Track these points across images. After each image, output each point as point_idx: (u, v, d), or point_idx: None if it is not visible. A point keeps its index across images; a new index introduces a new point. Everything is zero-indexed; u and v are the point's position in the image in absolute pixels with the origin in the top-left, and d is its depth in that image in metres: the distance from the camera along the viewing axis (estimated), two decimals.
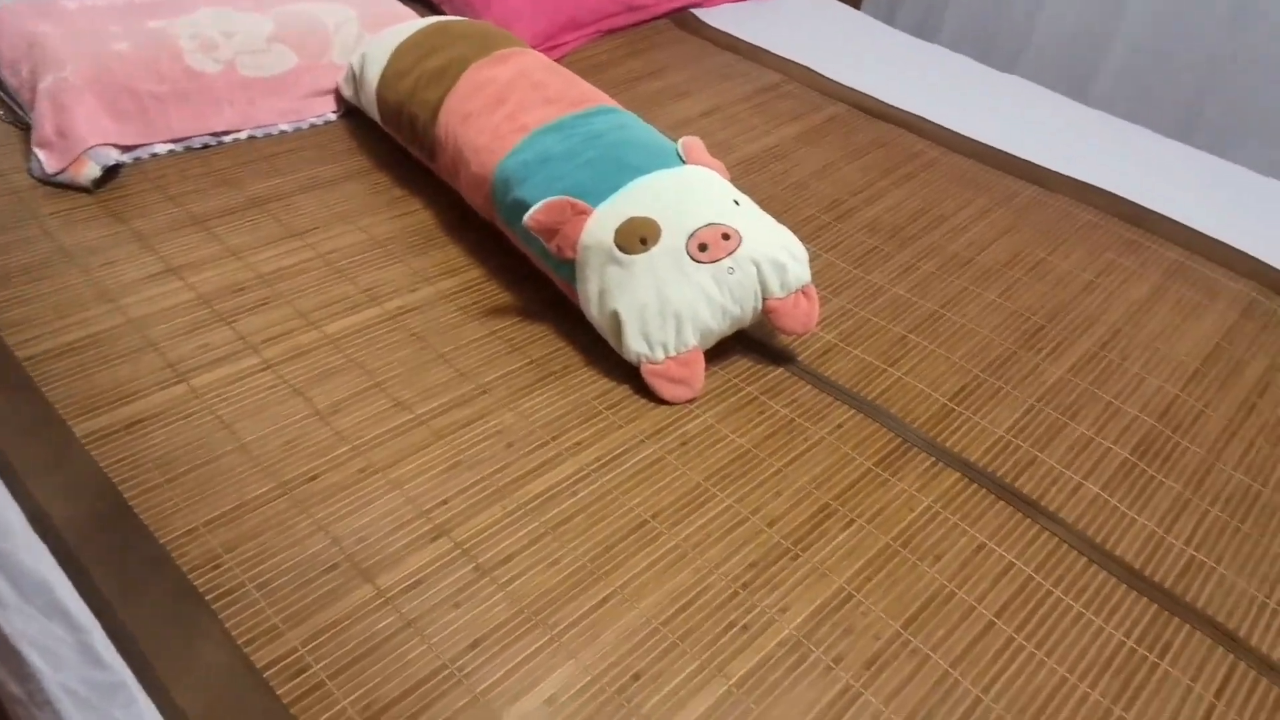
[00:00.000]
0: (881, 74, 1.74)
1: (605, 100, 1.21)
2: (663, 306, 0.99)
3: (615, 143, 1.10)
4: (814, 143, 1.52)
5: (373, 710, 0.70)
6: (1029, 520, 0.92)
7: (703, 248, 1.00)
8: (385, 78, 1.31)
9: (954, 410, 1.04)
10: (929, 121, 1.60)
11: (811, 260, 1.25)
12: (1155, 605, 0.86)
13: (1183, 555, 0.91)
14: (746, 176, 1.42)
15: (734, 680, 0.75)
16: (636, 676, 0.75)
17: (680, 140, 1.12)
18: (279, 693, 0.71)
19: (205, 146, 1.33)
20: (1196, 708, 0.78)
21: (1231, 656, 0.82)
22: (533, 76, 1.22)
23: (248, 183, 1.27)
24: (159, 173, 1.27)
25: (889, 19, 2.73)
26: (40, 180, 1.21)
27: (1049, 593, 0.86)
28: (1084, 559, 0.89)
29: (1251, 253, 1.33)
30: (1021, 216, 1.39)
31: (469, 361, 1.03)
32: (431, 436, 0.93)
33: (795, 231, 1.30)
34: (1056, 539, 0.91)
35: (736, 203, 1.06)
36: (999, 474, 0.97)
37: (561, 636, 0.77)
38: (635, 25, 1.83)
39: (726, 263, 1.01)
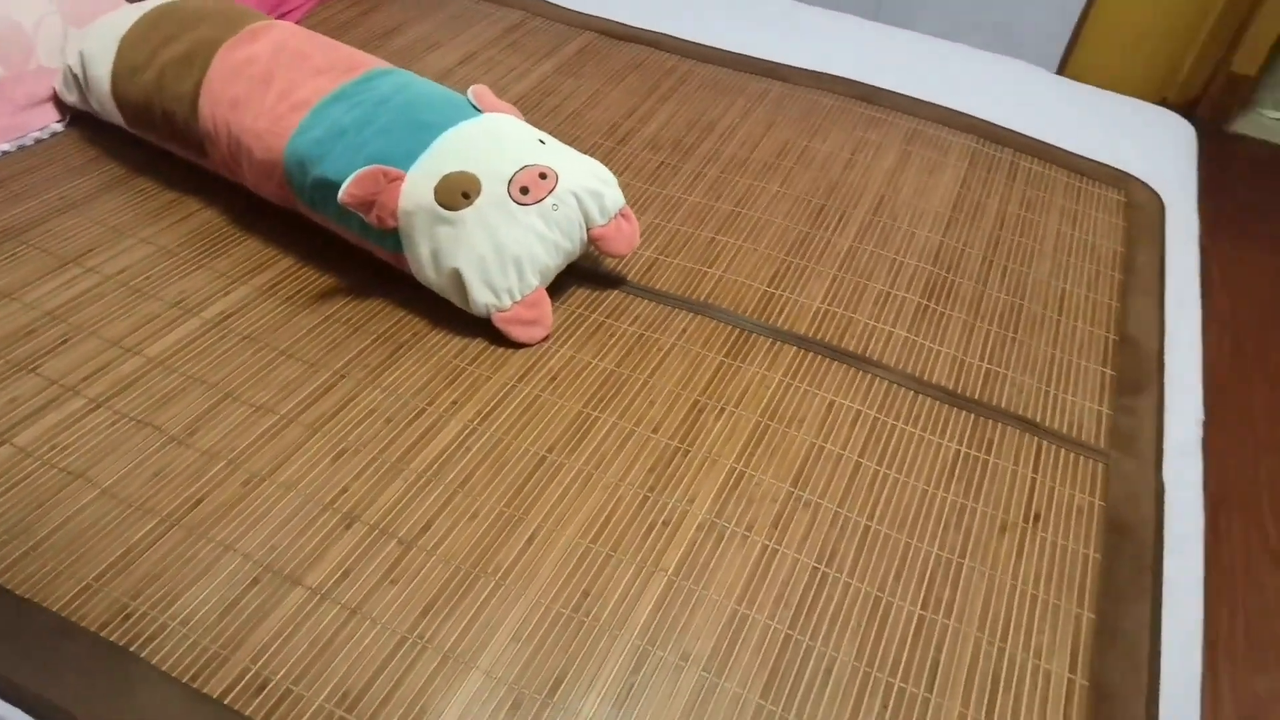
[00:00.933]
0: None
1: (376, 62, 1.19)
2: (501, 254, 1.02)
3: (405, 103, 1.09)
4: (574, 74, 1.57)
5: (350, 698, 0.71)
6: (860, 372, 1.06)
7: (524, 190, 1.03)
8: (118, 75, 1.20)
9: (774, 294, 1.16)
10: (673, 38, 1.69)
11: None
12: (972, 415, 1.03)
13: (980, 370, 1.09)
14: (525, 114, 1.44)
15: (670, 571, 0.83)
16: (585, 594, 0.80)
17: (470, 89, 1.13)
18: (247, 713, 0.70)
19: None
20: (1024, 485, 0.95)
21: (1036, 439, 1.01)
22: (292, 49, 1.17)
23: None
24: None
25: None
26: None
27: (893, 426, 1.00)
28: (910, 392, 1.04)
29: (964, 110, 1.55)
30: (777, 111, 1.52)
31: (314, 351, 1.01)
32: (306, 432, 0.92)
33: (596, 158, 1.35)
34: (886, 381, 1.05)
35: (542, 141, 1.09)
36: (826, 339, 1.10)
37: (504, 580, 0.81)
38: None
39: (549, 200, 1.04)
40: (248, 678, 0.72)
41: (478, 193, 1.02)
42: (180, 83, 1.16)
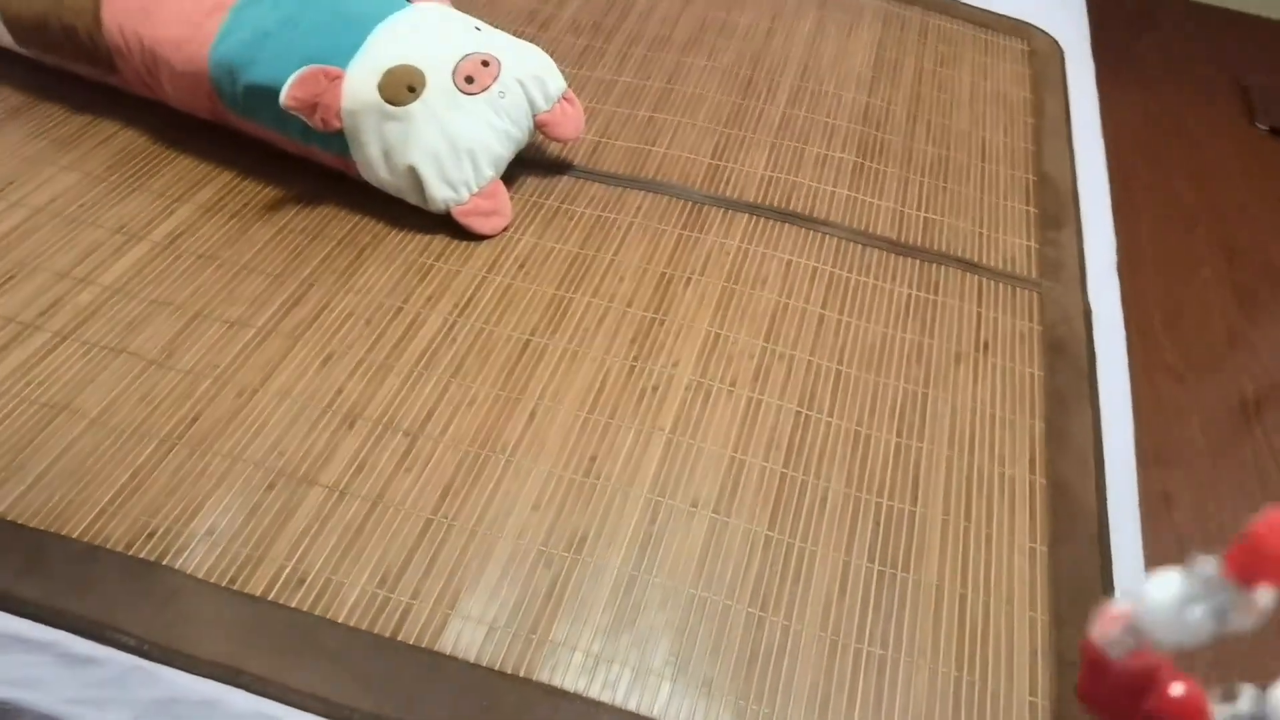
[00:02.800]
0: None
1: None
2: (454, 147, 1.01)
3: (327, 1, 1.05)
4: None
5: (390, 578, 0.75)
6: (811, 231, 1.11)
7: (469, 80, 1.02)
8: None
9: (719, 165, 1.19)
10: None
11: None
12: (917, 261, 1.10)
13: (919, 219, 1.16)
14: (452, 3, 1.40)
15: (668, 429, 0.88)
16: (593, 459, 0.85)
17: None
18: (293, 605, 0.72)
19: None
20: (971, 319, 1.03)
21: (976, 277, 1.09)
22: None
23: None
24: None
25: None
26: None
27: (847, 278, 1.06)
28: (859, 245, 1.10)
29: None
30: None
31: (276, 262, 1.00)
32: (288, 341, 0.92)
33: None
34: (835, 238, 1.11)
35: (477, 29, 1.07)
36: (774, 204, 1.14)
37: (514, 456, 0.84)
38: None
39: (496, 89, 1.04)
40: (285, 574, 0.74)
41: (423, 85, 1.00)
42: None
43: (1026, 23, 1.53)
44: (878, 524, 0.83)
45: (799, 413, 0.91)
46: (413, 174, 1.01)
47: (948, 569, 0.80)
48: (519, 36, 1.36)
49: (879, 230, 1.13)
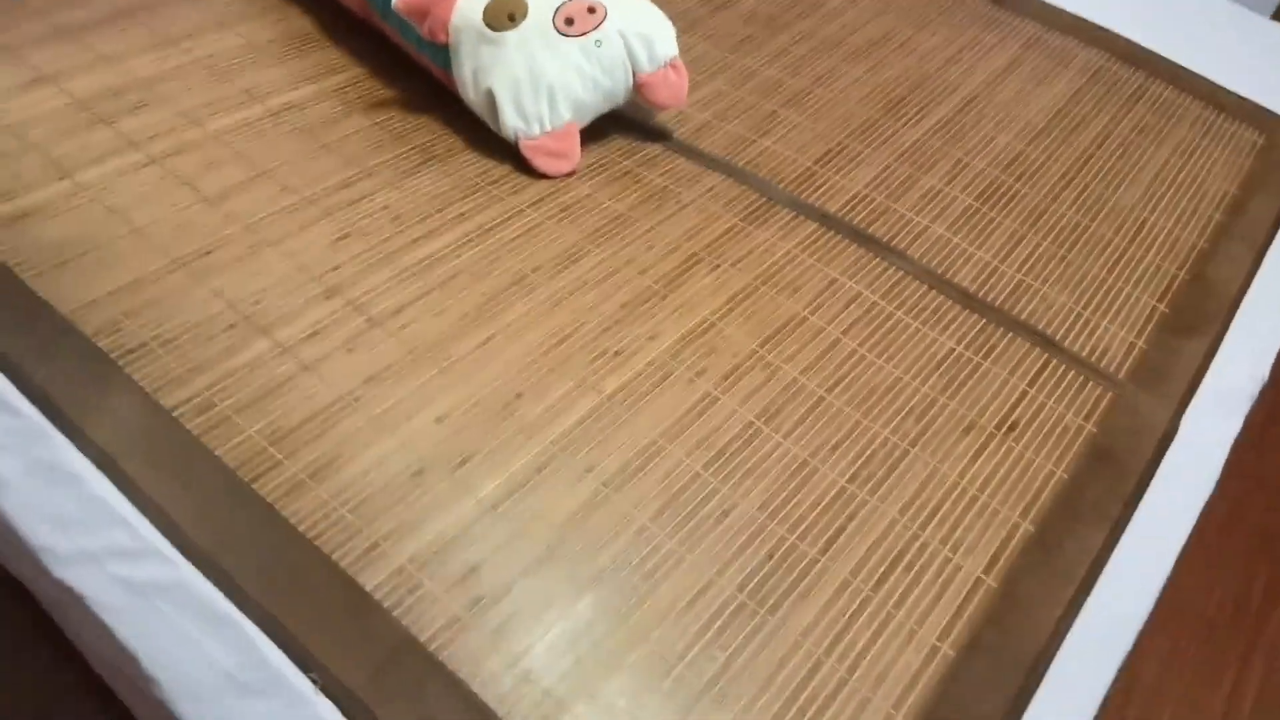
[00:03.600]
0: None
1: None
2: (535, 81, 1.03)
3: None
4: None
5: (277, 435, 0.78)
6: (878, 258, 1.02)
7: (569, 21, 1.03)
8: None
9: (816, 172, 1.12)
10: None
11: (688, 49, 1.29)
12: (984, 319, 0.97)
13: (1013, 280, 1.02)
14: None
15: (606, 394, 0.84)
16: (519, 395, 0.83)
17: None
18: (188, 427, 0.78)
19: None
20: (1010, 394, 0.90)
21: (1046, 355, 0.94)
22: None
23: None
24: None
25: None
26: None
27: (891, 314, 0.96)
28: (924, 286, 0.99)
29: (1100, 22, 1.41)
30: (890, 2, 1.43)
31: (354, 149, 1.07)
32: (321, 214, 0.98)
33: (673, 22, 1.32)
34: (901, 271, 1.00)
35: None
36: (853, 222, 1.06)
37: (449, 370, 0.85)
38: None
39: (594, 35, 1.04)
40: (198, 399, 0.80)
41: (523, 16, 1.03)
42: None
43: (1276, 114, 1.29)
44: (770, 557, 0.74)
45: (752, 424, 0.84)
46: (491, 98, 1.05)
47: (820, 629, 0.70)
48: (690, 14, 1.36)
49: (957, 278, 1.01)
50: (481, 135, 1.10)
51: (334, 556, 0.71)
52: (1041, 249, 1.06)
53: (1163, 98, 1.30)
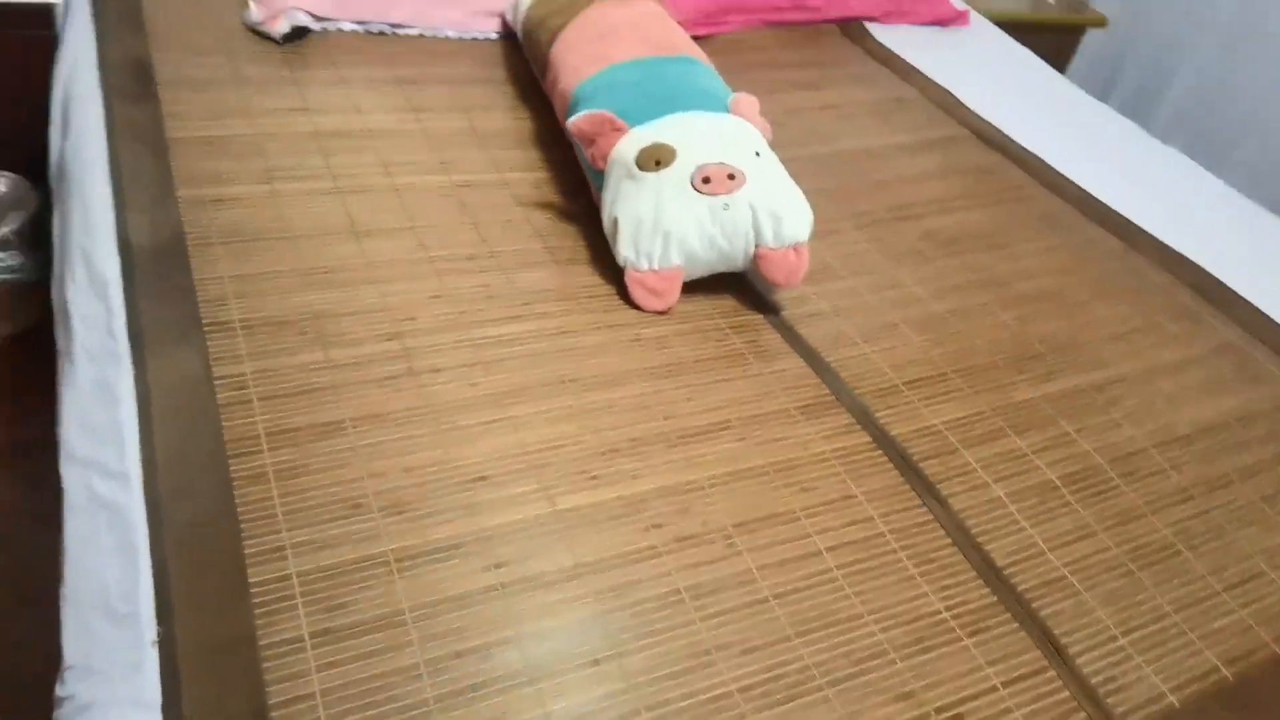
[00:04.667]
0: (1024, 114, 1.73)
1: (695, 53, 1.34)
2: (656, 222, 1.10)
3: (676, 83, 1.23)
4: (916, 154, 1.56)
5: (273, 431, 0.88)
6: (914, 494, 0.95)
7: (706, 180, 1.10)
8: (533, 5, 1.51)
9: (901, 392, 1.08)
10: (1042, 161, 1.59)
11: (848, 247, 1.31)
12: (995, 598, 0.87)
13: (1054, 572, 0.91)
14: (832, 166, 1.49)
15: (557, 508, 0.86)
16: (483, 478, 0.87)
17: (734, 95, 1.22)
18: (217, 397, 0.90)
19: (381, 33, 1.59)
20: (978, 685, 0.79)
21: (1046, 664, 0.82)
22: (640, 22, 1.37)
23: (401, 66, 1.51)
24: (337, 42, 1.53)
25: (1103, 94, 2.64)
26: (248, 27, 1.50)
27: (892, 551, 0.89)
28: (947, 541, 0.91)
29: None
30: (1086, 262, 1.36)
31: (494, 233, 1.19)
32: (431, 273, 1.10)
33: (849, 220, 1.36)
34: (930, 516, 0.93)
35: (758, 154, 1.15)
36: (910, 451, 1.00)
37: (443, 434, 0.91)
38: (801, 23, 1.93)
39: (724, 199, 1.10)
40: (237, 378, 0.92)
41: (668, 164, 1.11)
42: (556, 19, 1.42)
43: None
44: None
45: (678, 591, 0.81)
46: (615, 226, 1.13)
47: None
48: (870, 215, 1.38)
49: (989, 546, 0.92)
50: (605, 256, 1.18)
51: (245, 544, 0.78)
52: (1108, 555, 0.94)
53: None
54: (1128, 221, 1.47)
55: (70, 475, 0.83)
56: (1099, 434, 1.07)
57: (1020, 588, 0.88)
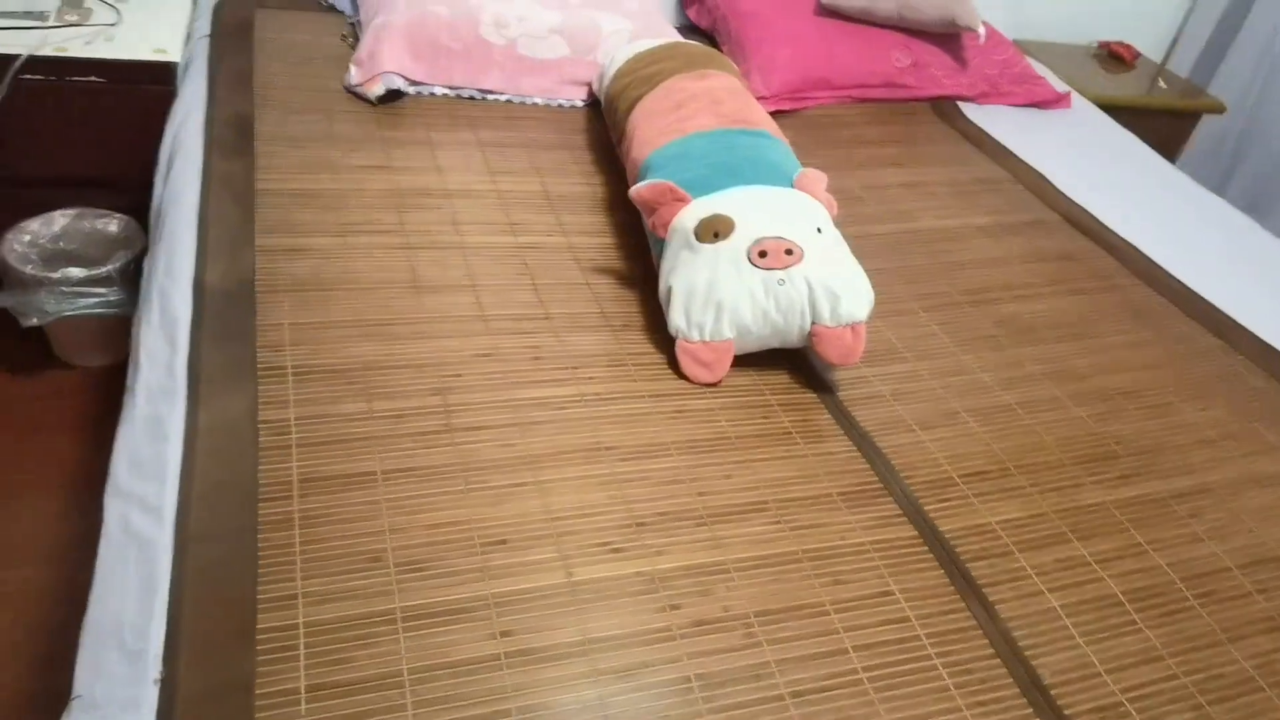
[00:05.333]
0: (1121, 200, 1.66)
1: (769, 127, 1.34)
2: (709, 294, 1.09)
3: (742, 156, 1.22)
4: (998, 237, 1.51)
5: (305, 478, 0.89)
6: (958, 596, 0.89)
7: (763, 254, 1.09)
8: (615, 76, 1.54)
9: (957, 484, 1.02)
10: (1136, 249, 1.51)
11: (915, 329, 1.26)
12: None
13: (1109, 697, 0.83)
14: (907, 246, 1.45)
15: (575, 578, 0.84)
16: (503, 541, 0.86)
17: (800, 171, 1.21)
18: (260, 440, 0.92)
19: (472, 98, 1.65)
20: None
21: None
22: (717, 95, 1.38)
23: (485, 129, 1.56)
24: (429, 105, 1.59)
25: (1220, 186, 2.51)
26: (346, 88, 1.58)
27: (927, 658, 0.83)
28: (990, 651, 0.85)
29: None
30: (1178, 359, 1.28)
31: (551, 295, 1.20)
32: (483, 330, 1.12)
33: (923, 302, 1.32)
34: (973, 622, 0.87)
35: (819, 230, 1.13)
36: (959, 549, 0.94)
37: (470, 493, 0.90)
38: (890, 101, 1.91)
39: (779, 274, 1.08)
40: (281, 423, 0.94)
41: (726, 237, 1.10)
42: (635, 90, 1.45)
43: None
44: None
45: (687, 679, 0.77)
46: (669, 295, 1.12)
47: None
48: (944, 298, 1.34)
49: (1038, 662, 0.84)
50: (661, 325, 1.17)
51: (260, 589, 0.78)
52: (1174, 685, 0.85)
53: None
54: (1229, 319, 1.38)
55: (111, 507, 0.85)
56: (1175, 548, 0.99)
57: (1068, 711, 0.81)
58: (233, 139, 1.39)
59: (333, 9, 1.84)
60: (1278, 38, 2.39)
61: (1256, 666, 0.88)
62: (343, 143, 1.44)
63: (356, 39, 1.73)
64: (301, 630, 0.76)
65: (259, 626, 0.75)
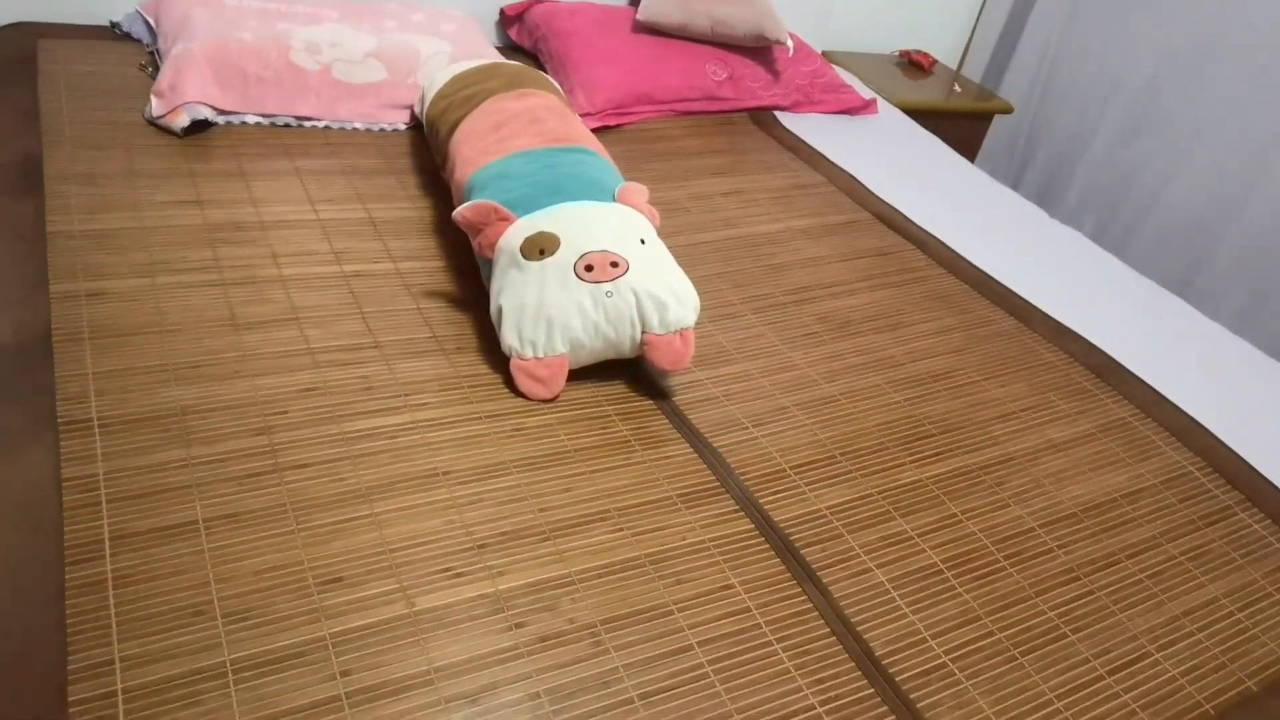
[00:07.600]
0: (927, 198, 1.78)
1: (590, 144, 1.36)
2: (539, 310, 1.10)
3: (565, 173, 1.24)
4: (817, 238, 1.59)
5: (117, 532, 0.84)
6: (794, 582, 0.93)
7: (589, 269, 1.10)
8: (435, 99, 1.53)
9: (788, 476, 1.07)
10: (941, 242, 1.62)
11: (744, 330, 1.31)
12: (872, 691, 0.84)
13: (935, 662, 0.89)
14: (732, 251, 1.50)
15: (415, 609, 0.83)
16: (339, 579, 0.84)
17: (621, 185, 1.24)
18: (64, 498, 0.86)
19: (287, 125, 1.59)
20: None
21: None
22: (536, 114, 1.39)
23: (302, 158, 1.51)
24: (240, 135, 1.53)
25: (1015, 181, 2.74)
26: (147, 120, 1.50)
27: (768, 644, 0.87)
28: (826, 630, 0.89)
29: (1204, 421, 1.26)
30: (979, 341, 1.38)
31: (380, 323, 1.18)
32: (309, 363, 1.08)
33: (750, 304, 1.37)
34: (809, 605, 0.91)
35: (643, 241, 1.16)
36: (793, 537, 0.99)
37: (301, 532, 0.87)
38: (711, 113, 1.98)
39: (607, 286, 1.10)
40: (88, 479, 0.88)
41: (552, 253, 1.12)
42: (455, 113, 1.44)
43: None
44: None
45: (537, 695, 0.77)
46: (499, 314, 1.12)
47: None
48: (768, 299, 1.39)
49: (869, 634, 0.89)
50: (494, 346, 1.17)
51: (70, 659, 0.73)
52: (991, 641, 0.92)
53: (1250, 529, 1.12)
54: (1024, 301, 1.50)
55: None
56: (985, 515, 1.07)
57: (898, 677, 0.86)
58: (18, 181, 1.29)
59: (128, 37, 1.75)
60: (1051, 42, 2.63)
61: (1060, 616, 0.96)
62: (145, 178, 1.36)
63: (156, 68, 1.64)
64: (120, 697, 0.71)
65: (71, 699, 0.70)
